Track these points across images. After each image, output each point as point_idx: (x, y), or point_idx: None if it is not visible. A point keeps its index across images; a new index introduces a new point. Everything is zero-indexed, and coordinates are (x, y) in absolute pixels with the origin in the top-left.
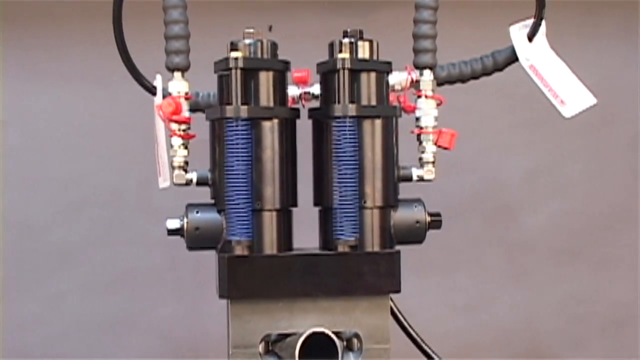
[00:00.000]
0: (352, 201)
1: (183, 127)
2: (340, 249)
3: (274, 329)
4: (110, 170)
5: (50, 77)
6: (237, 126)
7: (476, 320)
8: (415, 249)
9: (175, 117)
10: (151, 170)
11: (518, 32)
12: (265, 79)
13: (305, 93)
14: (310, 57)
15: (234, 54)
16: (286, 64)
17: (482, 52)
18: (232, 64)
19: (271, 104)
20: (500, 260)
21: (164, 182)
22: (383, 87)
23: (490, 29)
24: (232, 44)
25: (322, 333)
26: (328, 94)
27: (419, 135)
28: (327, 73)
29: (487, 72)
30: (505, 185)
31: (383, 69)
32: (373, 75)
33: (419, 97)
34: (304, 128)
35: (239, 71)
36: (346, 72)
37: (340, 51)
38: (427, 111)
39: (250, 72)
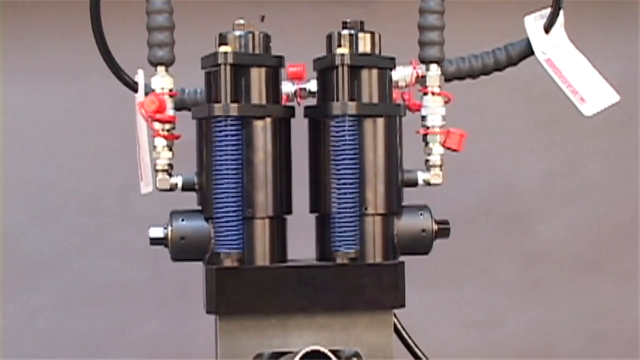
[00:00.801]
0: (352, 208)
1: (167, 126)
2: (339, 260)
3: (266, 347)
4: (88, 173)
5: (20, 71)
6: (226, 126)
7: (488, 338)
8: (421, 260)
9: (158, 116)
10: (132, 174)
11: (534, 23)
12: (257, 75)
13: (300, 90)
14: (307, 50)
15: (222, 49)
16: (280, 59)
17: (495, 44)
18: (220, 60)
19: (263, 102)
20: (514, 273)
21: (146, 187)
22: (386, 84)
23: (503, 19)
24: (220, 36)
25: (319, 352)
26: (326, 91)
27: (425, 136)
28: (325, 69)
29: (499, 67)
30: (519, 190)
31: (386, 65)
32: (375, 71)
33: (425, 94)
34: (300, 128)
35: (228, 67)
36: (345, 68)
37: (339, 45)
38: (434, 109)
39: (240, 68)
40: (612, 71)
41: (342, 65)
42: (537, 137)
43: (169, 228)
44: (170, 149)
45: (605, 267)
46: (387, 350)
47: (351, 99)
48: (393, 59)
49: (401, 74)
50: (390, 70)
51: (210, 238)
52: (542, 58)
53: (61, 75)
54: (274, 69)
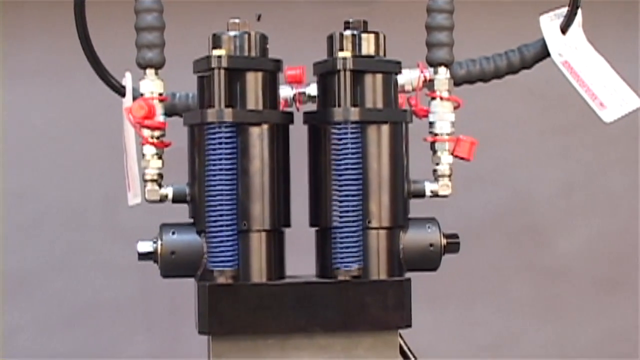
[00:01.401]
0: (355, 221)
1: (157, 133)
2: (341, 276)
3: None
4: (71, 183)
5: None
6: (220, 133)
7: None
8: (429, 276)
9: (147, 122)
10: (119, 185)
11: (550, 23)
12: (253, 80)
13: (299, 94)
14: (306, 51)
15: (216, 52)
16: (277, 63)
17: (508, 46)
18: (214, 64)
19: (260, 107)
20: (529, 291)
21: (134, 198)
22: (391, 88)
23: (517, 19)
24: (214, 37)
25: None
26: (327, 96)
27: (433, 144)
28: (326, 74)
29: (513, 70)
30: (534, 202)
31: (391, 70)
32: (379, 75)
33: (433, 99)
34: (299, 135)
35: (222, 71)
36: (348, 73)
37: (341, 46)
38: (442, 115)
39: (235, 72)
40: (633, 74)
41: (344, 70)
42: (553, 145)
43: (159, 242)
44: (160, 158)
45: (627, 285)
46: None
47: (354, 105)
48: (399, 62)
49: (407, 77)
50: (396, 74)
51: (203, 253)
52: (558, 60)
53: (43, 78)
54: (271, 72)
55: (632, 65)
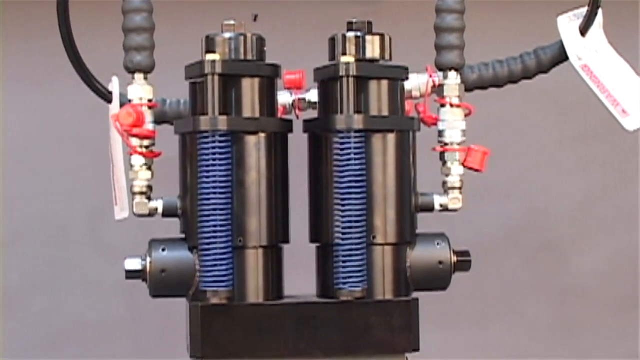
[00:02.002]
0: (358, 237)
1: (146, 142)
2: (343, 296)
3: None
4: (54, 196)
5: None
6: (213, 142)
7: None
8: (438, 296)
9: (135, 130)
10: (105, 197)
11: (568, 24)
12: (250, 85)
13: (299, 100)
14: (306, 54)
15: (210, 56)
16: (275, 68)
17: (523, 48)
18: (207, 69)
19: (256, 114)
20: (546, 311)
21: (121, 212)
22: (397, 94)
23: (532, 19)
24: (207, 39)
25: None
26: (328, 102)
27: (442, 154)
28: (327, 80)
29: (528, 74)
30: (551, 217)
31: (397, 75)
32: (385, 80)
33: (443, 105)
34: (298, 144)
35: (216, 77)
36: (350, 79)
37: (344, 51)
38: (452, 123)
39: (230, 78)
40: None
41: (347, 76)
42: (571, 155)
43: (148, 259)
44: (149, 168)
45: None
46: None
47: (357, 111)
48: (406, 67)
49: (415, 82)
50: (402, 79)
51: (195, 271)
52: (577, 64)
53: (22, 83)
54: (269, 77)
55: (632, 65)
